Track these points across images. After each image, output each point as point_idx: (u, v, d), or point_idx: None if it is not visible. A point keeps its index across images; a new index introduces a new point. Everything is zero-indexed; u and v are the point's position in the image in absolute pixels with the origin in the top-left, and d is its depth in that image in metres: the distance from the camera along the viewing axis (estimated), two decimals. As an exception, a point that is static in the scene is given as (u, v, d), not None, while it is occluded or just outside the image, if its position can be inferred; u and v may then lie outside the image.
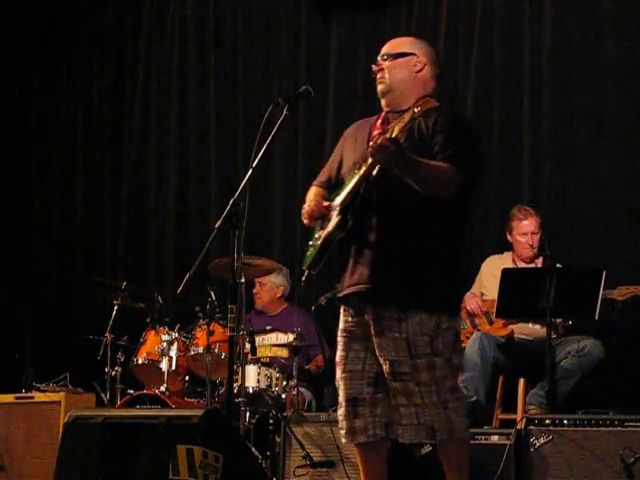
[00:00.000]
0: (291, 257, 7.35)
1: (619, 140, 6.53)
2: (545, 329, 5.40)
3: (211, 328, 5.93)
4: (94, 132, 8.22)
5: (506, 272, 5.60)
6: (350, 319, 3.97)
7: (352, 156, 4.00)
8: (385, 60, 4.03)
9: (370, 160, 3.75)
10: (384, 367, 3.84)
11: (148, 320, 6.37)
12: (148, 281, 7.66)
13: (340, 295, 3.98)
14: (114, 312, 6.37)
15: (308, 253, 4.03)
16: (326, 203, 3.94)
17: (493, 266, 6.01)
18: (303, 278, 4.04)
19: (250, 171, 4.02)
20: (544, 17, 6.76)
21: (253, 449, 5.33)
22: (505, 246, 6.18)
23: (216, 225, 3.93)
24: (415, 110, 3.69)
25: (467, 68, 6.94)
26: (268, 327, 6.68)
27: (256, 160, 4.00)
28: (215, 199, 7.60)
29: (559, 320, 5.81)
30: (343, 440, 4.03)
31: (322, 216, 3.95)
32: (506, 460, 4.77)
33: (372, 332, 3.86)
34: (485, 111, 6.89)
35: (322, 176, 4.17)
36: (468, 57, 6.95)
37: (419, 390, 3.79)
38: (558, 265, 5.63)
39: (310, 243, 4.01)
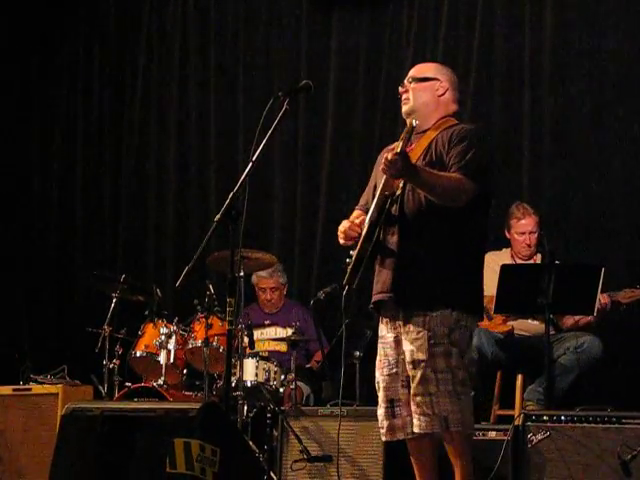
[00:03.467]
0: (290, 251, 7.35)
1: (620, 138, 6.52)
2: (544, 325, 5.40)
3: (209, 321, 5.93)
4: (94, 127, 8.19)
5: (505, 268, 5.62)
6: (386, 326, 4.22)
7: (381, 179, 4.23)
8: (411, 83, 4.28)
9: (384, 177, 4.01)
10: (406, 359, 4.06)
11: (147, 313, 6.36)
12: (147, 274, 7.66)
13: (371, 303, 4.23)
14: (113, 305, 6.36)
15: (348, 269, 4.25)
16: (358, 222, 4.20)
17: (491, 262, 5.98)
18: (344, 293, 4.23)
19: (250, 165, 4.03)
20: (544, 14, 6.76)
21: (250, 443, 5.34)
22: (502, 242, 6.16)
23: (215, 218, 3.94)
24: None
25: (467, 66, 6.93)
26: (267, 321, 6.69)
27: (256, 154, 4.02)
28: (215, 192, 7.59)
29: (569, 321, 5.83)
30: (383, 438, 4.24)
31: (357, 236, 4.18)
32: (503, 456, 4.77)
33: (402, 331, 4.09)
34: (485, 108, 6.88)
35: (361, 200, 4.44)
36: (469, 55, 6.95)
37: (435, 377, 3.99)
38: (557, 262, 5.63)
39: (347, 261, 4.19)
